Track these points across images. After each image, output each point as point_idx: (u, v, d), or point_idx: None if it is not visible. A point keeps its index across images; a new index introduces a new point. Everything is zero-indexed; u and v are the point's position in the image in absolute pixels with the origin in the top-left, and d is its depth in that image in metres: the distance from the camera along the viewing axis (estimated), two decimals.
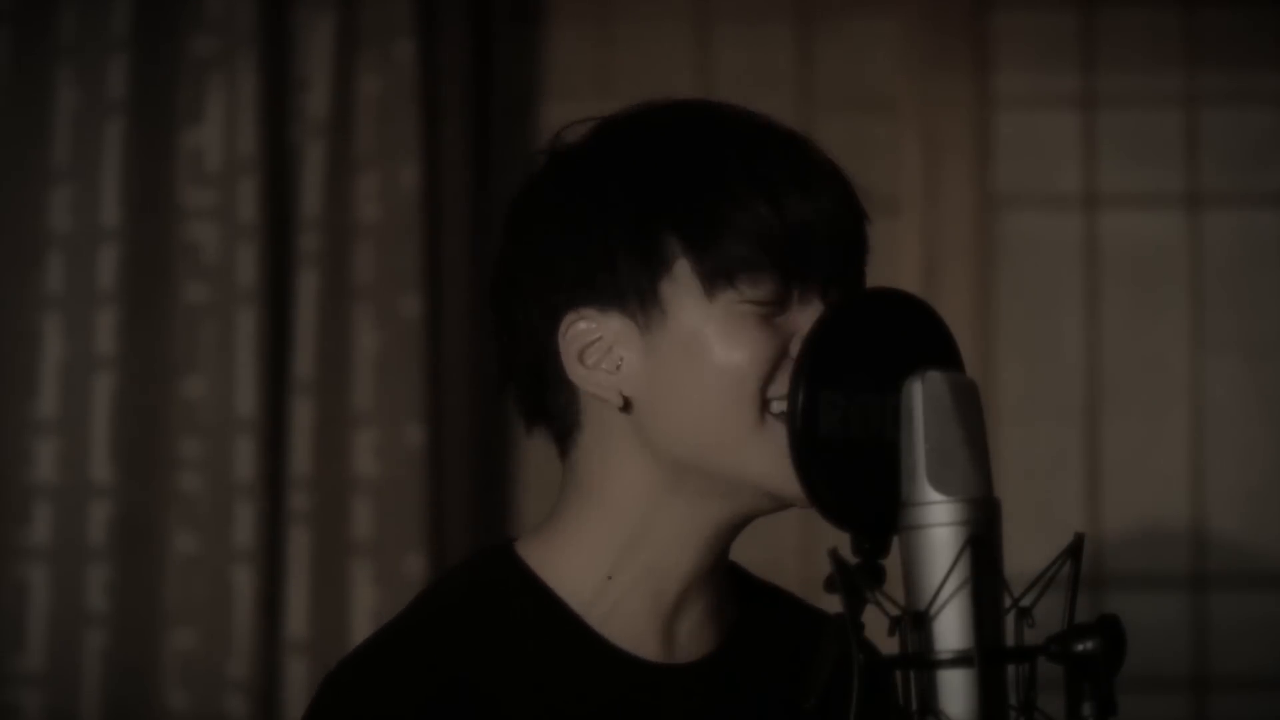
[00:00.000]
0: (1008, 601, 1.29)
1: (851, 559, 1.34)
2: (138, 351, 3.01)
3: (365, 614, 2.95)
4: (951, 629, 1.28)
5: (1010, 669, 1.29)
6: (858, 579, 1.31)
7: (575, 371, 1.48)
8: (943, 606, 1.28)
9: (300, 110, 3.05)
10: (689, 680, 1.51)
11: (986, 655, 1.27)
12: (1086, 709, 1.27)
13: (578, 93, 3.23)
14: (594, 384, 1.48)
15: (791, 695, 1.55)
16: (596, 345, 1.47)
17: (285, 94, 3.05)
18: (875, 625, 1.31)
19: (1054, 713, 1.29)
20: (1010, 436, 3.19)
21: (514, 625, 1.48)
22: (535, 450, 1.58)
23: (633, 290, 1.46)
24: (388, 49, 3.05)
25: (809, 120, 3.25)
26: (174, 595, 2.98)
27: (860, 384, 1.37)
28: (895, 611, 1.30)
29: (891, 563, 1.35)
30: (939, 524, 1.29)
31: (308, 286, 3.02)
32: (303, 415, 3.00)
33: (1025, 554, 1.47)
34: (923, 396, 1.32)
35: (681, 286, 1.46)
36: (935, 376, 1.33)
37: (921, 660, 1.28)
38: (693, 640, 1.52)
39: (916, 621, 1.29)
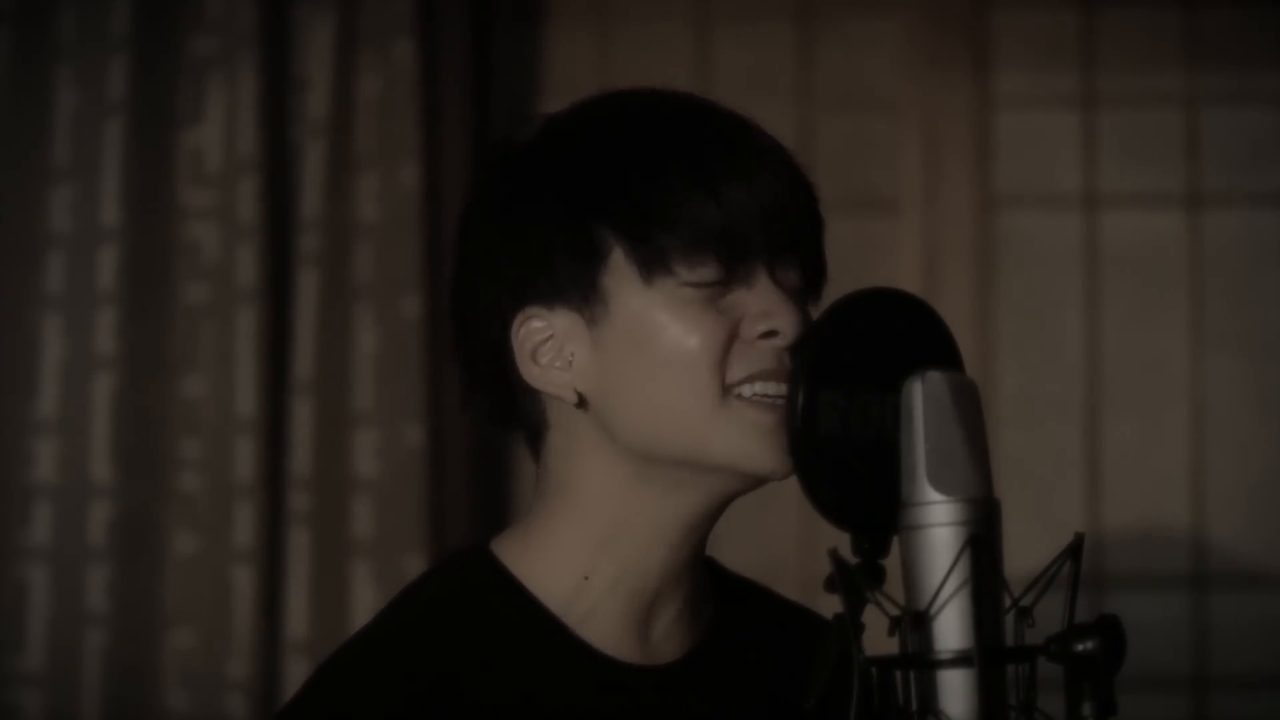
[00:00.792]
0: (1008, 601, 1.29)
1: (851, 559, 1.34)
2: (138, 351, 3.01)
3: (365, 614, 2.95)
4: (951, 629, 1.28)
5: (1010, 669, 1.29)
6: (858, 579, 1.31)
7: (529, 371, 1.48)
8: (943, 606, 1.28)
9: (300, 110, 3.05)
10: (666, 681, 1.51)
11: (986, 655, 1.27)
12: (1086, 709, 1.27)
13: (578, 93, 3.21)
14: (548, 383, 1.48)
15: (770, 693, 1.56)
16: (549, 344, 1.48)
17: (285, 94, 3.05)
18: (875, 625, 1.31)
19: (1054, 713, 1.29)
20: (1010, 436, 3.19)
21: (492, 627, 1.48)
22: None
23: (573, 285, 1.46)
24: (388, 49, 3.05)
25: (809, 120, 3.25)
26: (174, 595, 2.98)
27: (860, 384, 1.37)
28: (895, 611, 1.30)
29: (891, 563, 1.35)
30: (939, 524, 1.29)
31: (308, 286, 3.02)
32: (303, 415, 3.00)
33: (1025, 554, 1.47)
34: (923, 396, 1.32)
35: (620, 276, 1.46)
36: (935, 376, 1.33)
37: (921, 660, 1.28)
38: (670, 640, 1.52)
39: (916, 621, 1.29)
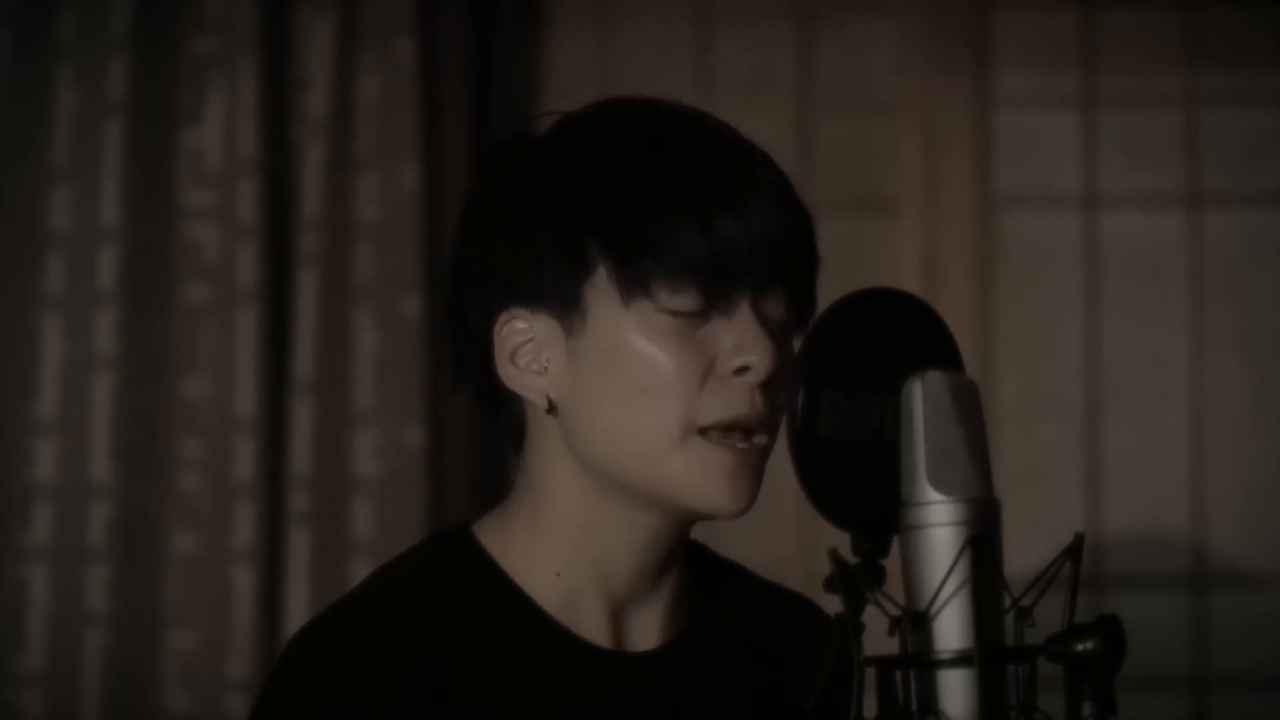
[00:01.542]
0: (1008, 601, 1.29)
1: (851, 559, 1.34)
2: (138, 351, 3.01)
3: None
4: (951, 629, 1.28)
5: (1010, 669, 1.29)
6: (858, 579, 1.31)
7: (506, 371, 1.50)
8: (943, 606, 1.28)
9: (300, 110, 3.05)
10: (645, 667, 1.52)
11: (986, 655, 1.27)
12: (1086, 709, 1.27)
13: (578, 93, 3.21)
14: (522, 385, 1.49)
15: (751, 680, 1.56)
16: (529, 346, 1.49)
17: (285, 94, 3.05)
18: (875, 625, 1.31)
19: (1054, 713, 1.29)
20: (1010, 437, 3.19)
21: (470, 608, 1.49)
22: None
23: (556, 292, 1.47)
24: (388, 49, 3.05)
25: (809, 120, 3.25)
26: (174, 595, 2.98)
27: (860, 384, 1.37)
28: (895, 611, 1.30)
29: (891, 563, 1.35)
30: (939, 524, 1.29)
31: (308, 286, 3.02)
32: (303, 415, 3.00)
33: (1025, 554, 1.47)
34: (923, 396, 1.32)
35: (601, 293, 1.46)
36: (935, 376, 1.33)
37: (921, 660, 1.28)
38: (647, 630, 1.53)
39: (916, 621, 1.29)
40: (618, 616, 1.52)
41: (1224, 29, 3.25)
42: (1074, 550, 1.30)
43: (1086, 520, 3.19)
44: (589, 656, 1.50)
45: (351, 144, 3.05)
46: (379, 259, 3.03)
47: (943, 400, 1.32)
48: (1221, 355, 3.23)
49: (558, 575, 1.51)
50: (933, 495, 1.29)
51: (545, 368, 1.48)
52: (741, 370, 1.45)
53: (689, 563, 1.57)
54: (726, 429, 1.45)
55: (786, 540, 2.99)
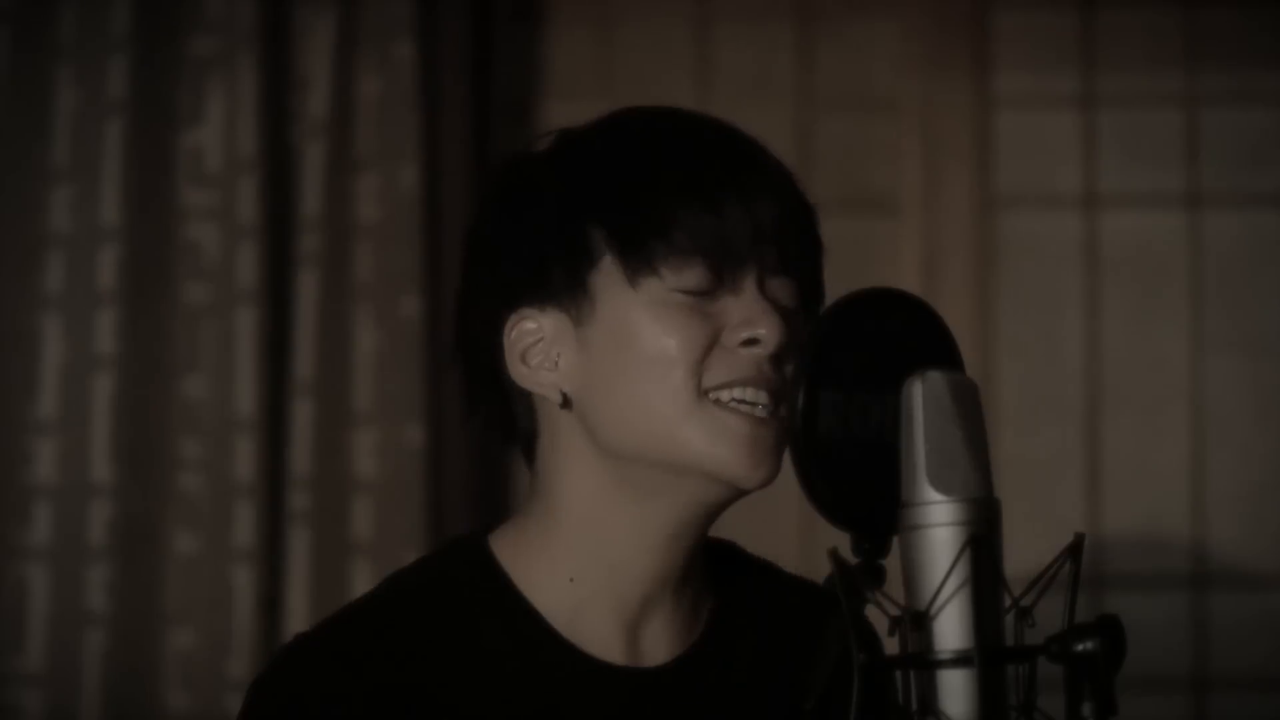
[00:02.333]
0: (1008, 601, 1.29)
1: (851, 559, 1.34)
2: (138, 351, 3.01)
3: None
4: (951, 629, 1.28)
5: (1010, 669, 1.29)
6: (858, 579, 1.31)
7: (517, 371, 1.50)
8: (943, 606, 1.28)
9: (300, 110, 3.05)
10: (653, 684, 1.51)
11: (986, 655, 1.27)
12: (1086, 709, 1.27)
13: (578, 93, 3.23)
14: (535, 383, 1.50)
15: (776, 682, 1.56)
16: (538, 345, 1.50)
17: (285, 94, 3.05)
18: (875, 625, 1.31)
19: (1054, 713, 1.29)
20: (1010, 437, 3.19)
21: (477, 621, 1.50)
22: None
23: (563, 284, 1.48)
24: (388, 49, 3.05)
25: (809, 120, 3.25)
26: (174, 595, 2.98)
27: (860, 384, 1.37)
28: (895, 611, 1.30)
29: (891, 563, 1.35)
30: (939, 524, 1.29)
31: (308, 286, 3.02)
32: (303, 415, 3.01)
33: (1025, 554, 1.47)
34: (923, 396, 1.32)
35: (608, 279, 1.47)
36: (935, 376, 1.33)
37: (921, 660, 1.28)
38: (659, 643, 1.52)
39: (916, 621, 1.29)
40: (629, 628, 1.51)
41: (1224, 29, 3.25)
42: (1074, 550, 1.30)
43: (1086, 520, 3.19)
44: (595, 673, 1.49)
45: (351, 144, 3.05)
46: (379, 259, 3.03)
47: (943, 400, 1.32)
48: (1221, 355, 3.23)
49: (571, 581, 1.50)
50: (933, 495, 1.30)
51: (556, 363, 1.49)
52: (750, 342, 1.46)
53: (710, 568, 1.57)
54: (737, 395, 1.45)
55: (787, 540, 2.99)
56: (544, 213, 1.50)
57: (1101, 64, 3.27)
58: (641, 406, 1.46)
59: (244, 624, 2.96)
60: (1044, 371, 3.25)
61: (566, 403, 1.49)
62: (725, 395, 1.45)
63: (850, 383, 1.37)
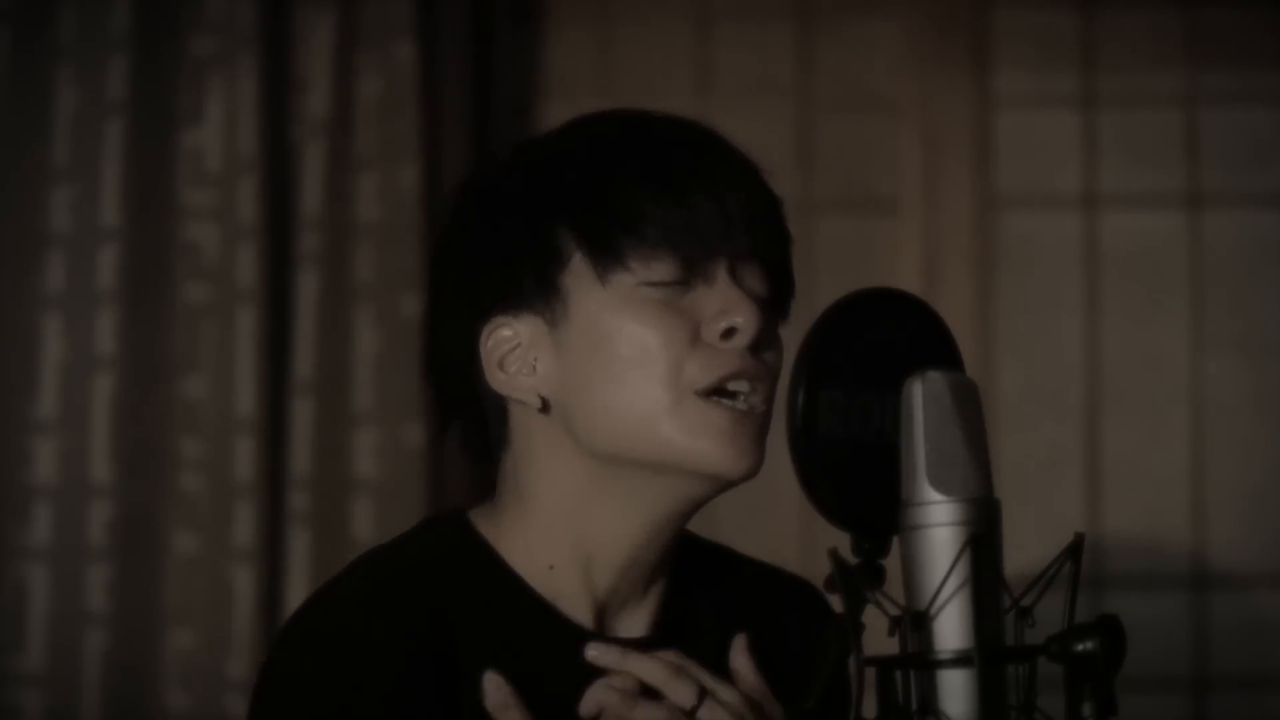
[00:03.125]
0: (1008, 601, 1.29)
1: (851, 559, 1.34)
2: (138, 351, 3.01)
3: None
4: (951, 629, 1.28)
5: (1010, 669, 1.29)
6: (858, 579, 1.31)
7: (495, 378, 1.51)
8: (943, 606, 1.28)
9: (300, 110, 3.05)
10: (637, 649, 1.52)
11: (986, 655, 1.27)
12: (1086, 709, 1.27)
13: (578, 93, 3.23)
14: (513, 388, 1.51)
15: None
16: (515, 352, 1.50)
17: (285, 94, 3.05)
18: (875, 625, 1.31)
19: (1054, 713, 1.29)
20: (1010, 437, 3.19)
21: (471, 590, 1.51)
22: None
23: (534, 288, 1.49)
24: (388, 49, 3.05)
25: (809, 120, 3.25)
26: (174, 595, 2.98)
27: (860, 384, 1.37)
28: (895, 611, 1.30)
29: (891, 563, 1.35)
30: (939, 524, 1.29)
31: (308, 286, 3.02)
32: (303, 415, 3.00)
33: (1025, 554, 1.47)
34: (923, 396, 1.32)
35: (579, 279, 1.48)
36: (935, 376, 1.33)
37: (921, 660, 1.28)
38: (638, 619, 1.54)
39: (916, 621, 1.29)
40: (606, 610, 1.53)
41: (1224, 29, 3.25)
42: (1074, 550, 1.30)
43: (1086, 520, 3.19)
44: (583, 638, 1.51)
45: (351, 144, 3.05)
46: (379, 259, 3.03)
47: (943, 400, 1.32)
48: (1221, 355, 3.23)
49: (550, 568, 1.52)
50: (933, 495, 1.30)
51: (534, 367, 1.50)
52: (728, 333, 1.47)
53: (677, 559, 1.57)
54: (720, 389, 1.45)
55: (786, 540, 2.99)
56: (510, 219, 1.50)
57: (1101, 64, 3.27)
58: (622, 406, 1.47)
59: (244, 624, 2.96)
60: (1044, 371, 3.25)
61: (545, 407, 1.50)
62: (708, 393, 1.46)
63: (850, 383, 1.37)
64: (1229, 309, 3.24)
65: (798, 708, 1.53)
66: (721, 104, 3.19)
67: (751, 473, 1.47)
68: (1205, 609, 3.21)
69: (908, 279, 3.14)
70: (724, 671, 1.56)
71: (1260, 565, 3.21)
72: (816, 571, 1.43)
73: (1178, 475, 3.22)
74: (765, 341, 1.49)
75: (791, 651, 1.59)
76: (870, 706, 1.28)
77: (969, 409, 1.32)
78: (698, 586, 1.59)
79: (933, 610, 1.28)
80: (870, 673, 1.29)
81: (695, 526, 1.58)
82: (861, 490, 1.36)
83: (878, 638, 1.31)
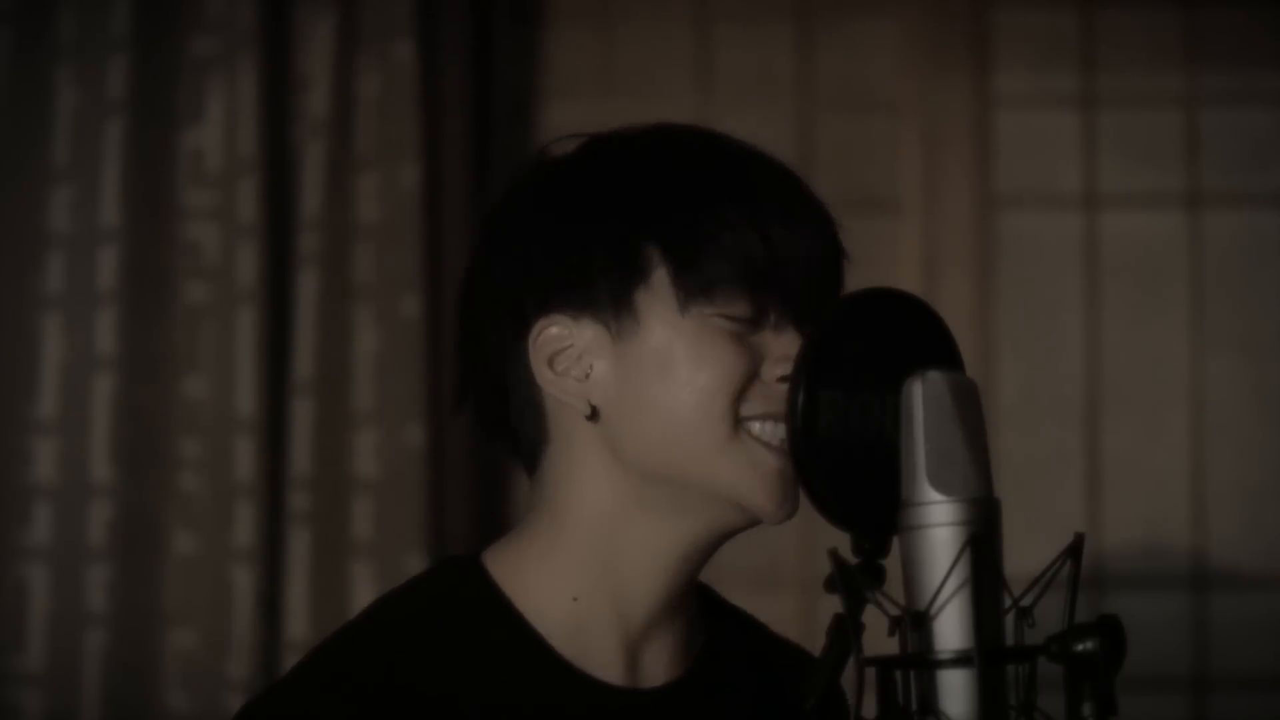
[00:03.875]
0: (1008, 601, 1.29)
1: (851, 559, 1.34)
2: (138, 351, 3.01)
3: None
4: (951, 629, 1.28)
5: (1010, 669, 1.29)
6: (858, 579, 1.31)
7: (544, 376, 1.47)
8: (943, 606, 1.28)
9: (300, 110, 3.05)
10: (652, 705, 1.49)
11: (986, 655, 1.27)
12: (1086, 709, 1.27)
13: (578, 93, 3.23)
14: (562, 390, 1.47)
15: (761, 716, 1.55)
16: (567, 352, 1.47)
17: (285, 94, 3.05)
18: (875, 625, 1.31)
19: (1054, 713, 1.29)
20: (1010, 437, 3.19)
21: (474, 642, 1.47)
22: None
23: (608, 297, 1.46)
24: (388, 49, 3.05)
25: (809, 120, 3.25)
26: (174, 595, 2.98)
27: (860, 384, 1.37)
28: (895, 611, 1.30)
29: (891, 563, 1.35)
30: (939, 524, 1.29)
31: (308, 286, 3.02)
32: (303, 415, 3.01)
33: (1025, 554, 1.47)
34: (923, 396, 1.32)
35: (657, 298, 1.45)
36: (935, 376, 1.33)
37: (921, 660, 1.28)
38: (658, 665, 1.50)
39: (916, 621, 1.29)
40: (630, 648, 1.49)
41: (1224, 29, 3.25)
42: (1074, 550, 1.30)
43: (1086, 520, 3.19)
44: (596, 693, 1.47)
45: (351, 144, 3.05)
46: (379, 259, 3.03)
47: (943, 400, 1.32)
48: (1221, 355, 3.23)
49: (575, 600, 1.48)
50: (933, 495, 1.30)
51: (587, 374, 1.46)
52: (786, 379, 1.44)
53: (697, 602, 1.55)
54: (770, 421, 1.43)
55: (787, 540, 2.99)
56: (593, 219, 1.47)
57: (1101, 64, 3.27)
58: (677, 431, 1.44)
59: (244, 624, 2.96)
60: (1044, 371, 3.25)
61: (594, 415, 1.47)
62: (757, 426, 1.44)
63: (850, 382, 1.37)
64: (1229, 309, 3.24)
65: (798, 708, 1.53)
66: (721, 104, 3.19)
67: (788, 518, 1.45)
68: (1205, 609, 3.21)
69: (908, 279, 3.14)
70: (744, 716, 1.54)
71: (1260, 565, 3.21)
72: (817, 571, 1.43)
73: (1178, 475, 3.22)
74: None
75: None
76: (870, 706, 1.28)
77: (969, 409, 1.32)
78: (725, 636, 1.57)
79: (933, 610, 1.28)
80: (870, 672, 1.29)
81: None
82: (861, 490, 1.36)
83: (878, 638, 1.31)
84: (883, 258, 3.20)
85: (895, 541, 1.34)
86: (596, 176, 1.49)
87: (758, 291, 1.44)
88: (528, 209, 1.51)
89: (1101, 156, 3.27)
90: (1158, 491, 3.22)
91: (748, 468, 1.43)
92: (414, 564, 2.96)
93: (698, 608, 1.55)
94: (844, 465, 1.36)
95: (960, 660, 1.27)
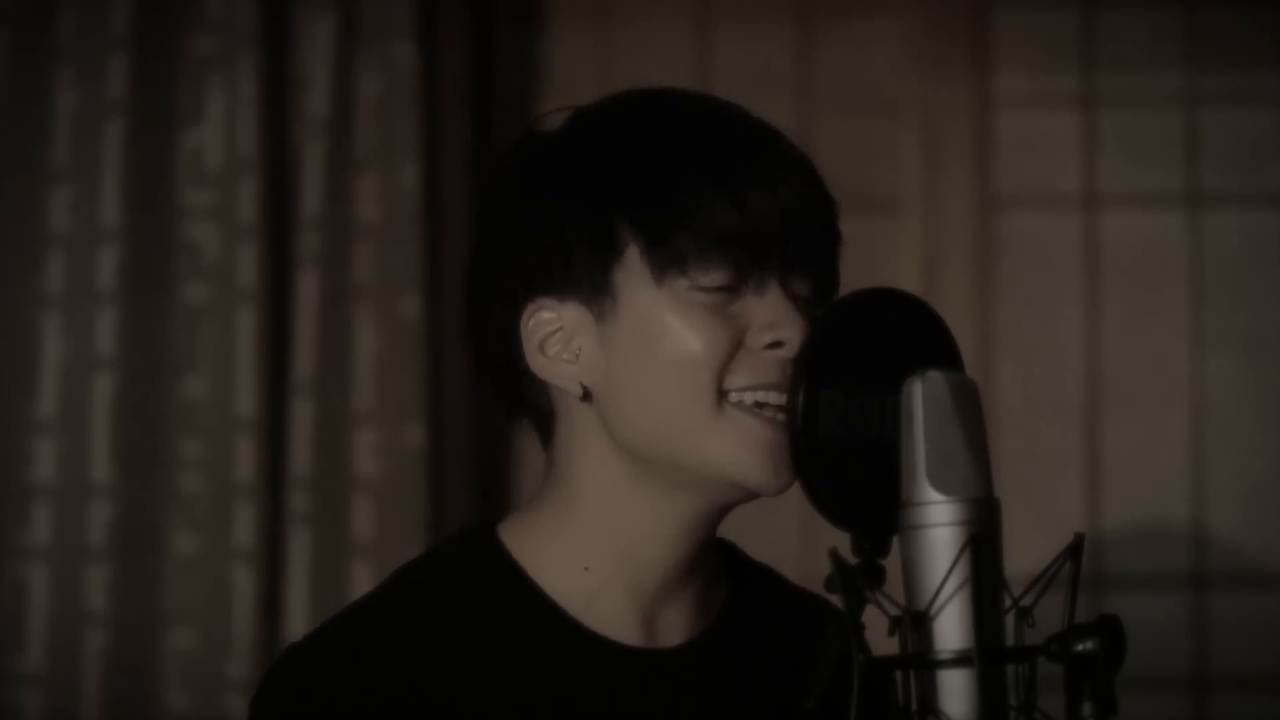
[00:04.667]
0: (1008, 601, 1.29)
1: (851, 559, 1.34)
2: (138, 351, 3.01)
3: None
4: (951, 629, 1.28)
5: (1010, 669, 1.29)
6: (858, 579, 1.31)
7: (536, 361, 1.49)
8: (943, 606, 1.28)
9: (300, 110, 3.05)
10: (671, 665, 1.51)
11: (986, 655, 1.27)
12: (1086, 709, 1.27)
13: (578, 93, 3.21)
14: (554, 374, 1.48)
15: (776, 681, 1.56)
16: (557, 335, 1.48)
17: (285, 94, 3.05)
18: (875, 625, 1.31)
19: (1054, 713, 1.29)
20: (1010, 437, 3.19)
21: (490, 608, 1.48)
22: (535, 450, 1.58)
23: (586, 278, 1.46)
24: (388, 49, 3.05)
25: (809, 120, 3.25)
26: (174, 595, 2.98)
27: (860, 384, 1.37)
28: (895, 611, 1.30)
29: (891, 563, 1.35)
30: (939, 524, 1.29)
31: (308, 286, 3.02)
32: (303, 415, 3.00)
33: (1025, 554, 1.47)
34: (923, 396, 1.32)
35: (633, 274, 1.46)
36: (935, 376, 1.33)
37: (921, 660, 1.28)
38: (675, 626, 1.52)
39: (916, 621, 1.29)
40: (645, 612, 1.50)
41: (1224, 29, 3.25)
42: (1074, 550, 1.30)
43: (1086, 520, 3.19)
44: (609, 655, 1.49)
45: (351, 144, 3.05)
46: (379, 259, 3.03)
47: (943, 400, 1.32)
48: (1221, 355, 3.23)
49: (586, 570, 1.49)
50: (933, 495, 1.30)
51: (577, 355, 1.47)
52: (774, 345, 1.44)
53: (719, 560, 1.56)
54: (760, 399, 1.44)
55: (786, 540, 2.99)
56: (566, 200, 1.48)
57: (1101, 64, 3.27)
58: (664, 409, 1.45)
59: (244, 624, 2.96)
60: (1044, 371, 3.25)
61: (587, 395, 1.48)
62: (748, 398, 1.44)
63: (850, 383, 1.37)
64: (1229, 309, 3.24)
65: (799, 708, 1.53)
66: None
67: (786, 487, 1.45)
68: (1205, 608, 3.21)
69: (908, 279, 3.14)
70: (764, 679, 1.54)
71: (1261, 564, 3.21)
72: (817, 572, 1.43)
73: (1178, 475, 3.22)
74: None
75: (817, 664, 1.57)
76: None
77: (969, 409, 1.32)
78: (746, 594, 1.57)
79: (933, 610, 1.28)
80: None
81: None
82: (861, 490, 1.36)
83: (878, 638, 1.31)
84: (883, 258, 3.20)
85: (895, 541, 1.34)
86: (571, 157, 1.50)
87: (733, 258, 1.44)
88: (512, 193, 1.52)
89: (1101, 156, 3.27)
90: (1158, 491, 3.22)
91: (737, 443, 1.43)
92: None
93: (719, 566, 1.55)
94: (844, 465, 1.37)
95: (960, 660, 1.27)
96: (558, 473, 1.52)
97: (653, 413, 1.45)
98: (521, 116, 3.24)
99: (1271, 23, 3.25)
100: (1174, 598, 3.21)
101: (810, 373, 1.37)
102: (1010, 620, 1.30)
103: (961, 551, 1.28)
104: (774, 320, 1.44)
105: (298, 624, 2.96)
